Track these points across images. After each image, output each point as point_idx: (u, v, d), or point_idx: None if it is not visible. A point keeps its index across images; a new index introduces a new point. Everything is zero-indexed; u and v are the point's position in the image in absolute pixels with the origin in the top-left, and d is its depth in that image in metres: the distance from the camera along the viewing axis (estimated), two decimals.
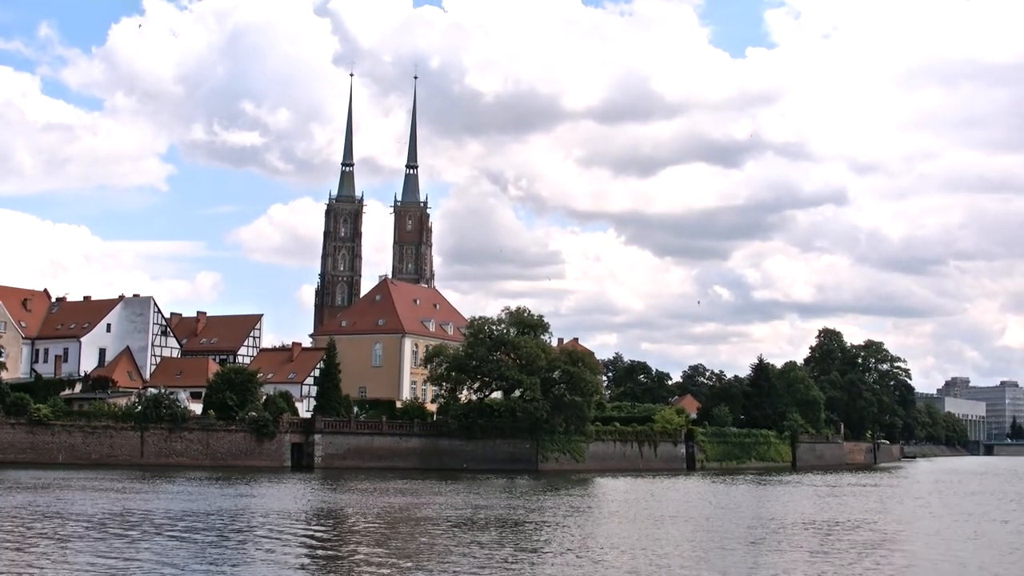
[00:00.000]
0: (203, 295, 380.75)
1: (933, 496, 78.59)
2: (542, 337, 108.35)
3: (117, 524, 42.34)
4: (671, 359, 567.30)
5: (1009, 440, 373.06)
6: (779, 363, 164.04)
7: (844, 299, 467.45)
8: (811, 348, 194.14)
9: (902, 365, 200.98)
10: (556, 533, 42.16)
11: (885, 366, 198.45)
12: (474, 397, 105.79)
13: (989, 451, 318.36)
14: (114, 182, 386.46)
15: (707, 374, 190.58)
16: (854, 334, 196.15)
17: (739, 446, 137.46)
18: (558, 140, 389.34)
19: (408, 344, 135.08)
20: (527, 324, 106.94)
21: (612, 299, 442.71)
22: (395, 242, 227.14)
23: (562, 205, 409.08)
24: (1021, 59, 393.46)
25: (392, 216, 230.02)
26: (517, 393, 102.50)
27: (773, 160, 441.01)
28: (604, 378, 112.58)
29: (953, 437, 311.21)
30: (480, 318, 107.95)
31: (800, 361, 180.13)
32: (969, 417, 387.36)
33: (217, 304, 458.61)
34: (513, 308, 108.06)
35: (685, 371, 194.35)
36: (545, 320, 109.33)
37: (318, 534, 42.31)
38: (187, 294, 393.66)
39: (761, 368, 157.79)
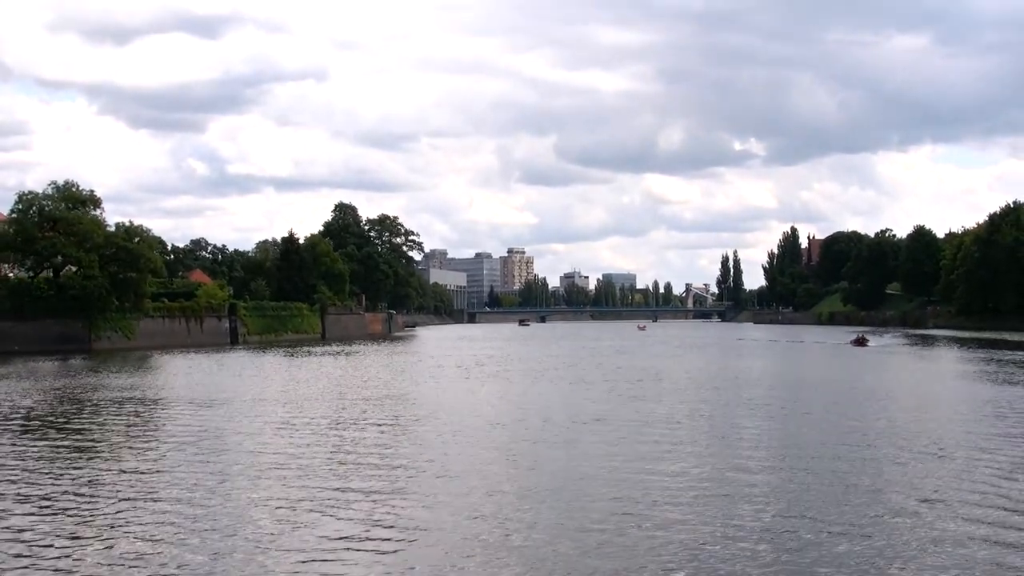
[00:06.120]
0: None
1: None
2: (94, 213, 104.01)
3: None
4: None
5: (487, 308, 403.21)
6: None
7: (320, 173, 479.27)
8: (325, 223, 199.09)
9: (415, 239, 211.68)
10: (113, 412, 38.59)
11: (399, 239, 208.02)
12: (24, 276, 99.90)
13: (472, 319, 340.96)
14: None
15: (209, 248, 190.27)
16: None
17: (277, 319, 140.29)
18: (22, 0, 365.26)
19: None
20: (77, 199, 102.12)
21: (83, 172, 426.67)
22: None
23: (29, 73, 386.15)
24: None
25: None
26: (74, 270, 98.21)
27: (254, 33, 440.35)
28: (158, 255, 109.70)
29: (441, 306, 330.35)
30: (29, 193, 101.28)
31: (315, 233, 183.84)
32: (451, 288, 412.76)
33: None
34: (61, 182, 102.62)
35: (187, 245, 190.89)
36: (97, 195, 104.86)
37: None
38: None
39: (291, 241, 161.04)
